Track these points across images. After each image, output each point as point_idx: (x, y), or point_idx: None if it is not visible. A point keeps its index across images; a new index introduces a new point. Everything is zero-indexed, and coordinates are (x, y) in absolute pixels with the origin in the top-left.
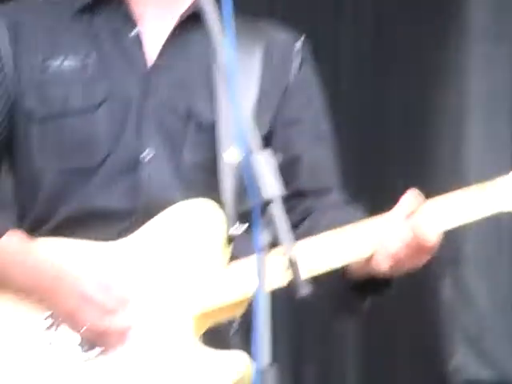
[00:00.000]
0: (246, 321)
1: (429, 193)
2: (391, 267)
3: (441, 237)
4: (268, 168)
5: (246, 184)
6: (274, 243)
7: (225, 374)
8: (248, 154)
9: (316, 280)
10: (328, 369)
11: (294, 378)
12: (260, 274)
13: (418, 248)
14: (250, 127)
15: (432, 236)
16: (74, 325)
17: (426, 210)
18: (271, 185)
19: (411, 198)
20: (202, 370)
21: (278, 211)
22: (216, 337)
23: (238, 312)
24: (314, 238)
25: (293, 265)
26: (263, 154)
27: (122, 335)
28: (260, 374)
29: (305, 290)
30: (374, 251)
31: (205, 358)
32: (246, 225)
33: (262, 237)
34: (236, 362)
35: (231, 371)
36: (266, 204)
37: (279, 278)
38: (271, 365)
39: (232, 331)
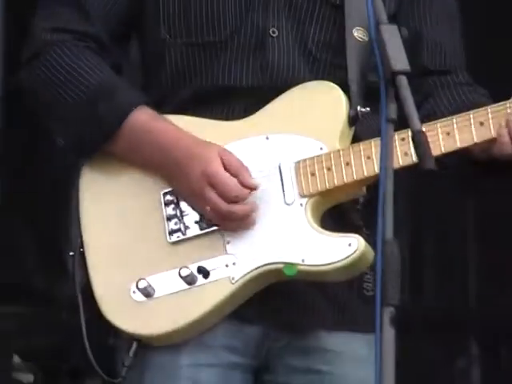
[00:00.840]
0: (371, 199)
1: None
2: None
3: None
4: (395, 41)
5: (373, 58)
6: (400, 122)
7: (340, 253)
8: (376, 27)
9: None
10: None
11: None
12: (385, 148)
13: None
14: (378, 3)
15: None
16: (198, 204)
17: None
18: (399, 58)
19: None
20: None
21: (404, 84)
22: (341, 215)
23: (360, 192)
24: (437, 120)
25: (419, 138)
26: (390, 27)
27: (242, 221)
28: (383, 245)
29: (431, 164)
30: (497, 134)
31: (321, 240)
32: (368, 109)
33: (389, 111)
34: (352, 243)
35: (346, 251)
36: (393, 76)
37: (404, 157)
38: (394, 239)
39: (357, 209)
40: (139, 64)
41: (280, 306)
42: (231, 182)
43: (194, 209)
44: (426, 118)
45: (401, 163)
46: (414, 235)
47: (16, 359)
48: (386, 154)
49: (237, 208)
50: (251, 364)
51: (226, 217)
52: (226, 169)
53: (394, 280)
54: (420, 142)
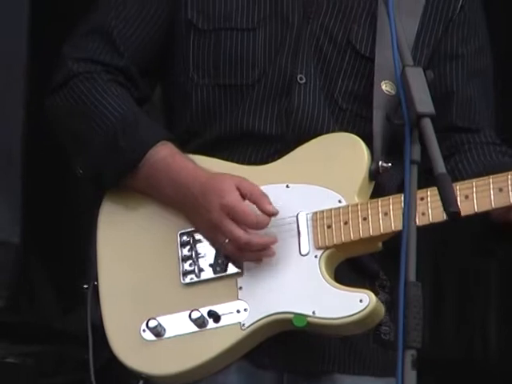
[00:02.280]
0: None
1: None
2: None
3: None
4: (420, 84)
5: (399, 110)
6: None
7: (351, 309)
8: (403, 68)
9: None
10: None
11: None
12: (409, 189)
13: None
14: (403, 46)
15: None
16: (216, 238)
17: None
18: (424, 100)
19: None
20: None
21: (428, 127)
22: (357, 259)
23: (376, 248)
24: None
25: (444, 180)
26: (416, 69)
27: (262, 252)
28: (405, 287)
29: (455, 207)
30: None
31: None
32: (390, 164)
33: (413, 152)
34: (363, 299)
35: (357, 307)
36: (418, 118)
37: (421, 217)
38: (416, 281)
39: (374, 258)
40: (160, 102)
41: (294, 351)
42: (251, 210)
43: (211, 247)
44: (449, 175)
45: (418, 223)
46: (434, 280)
47: None
48: (409, 193)
49: (256, 238)
50: None
51: (246, 247)
52: (244, 198)
53: (415, 322)
54: (444, 185)
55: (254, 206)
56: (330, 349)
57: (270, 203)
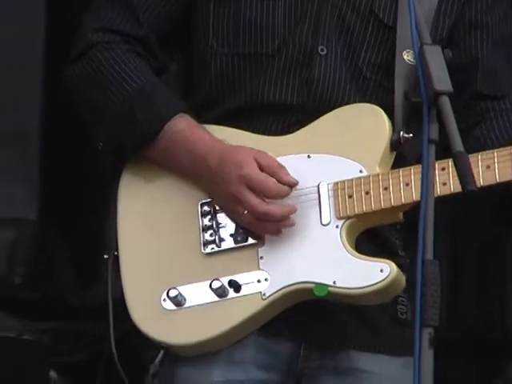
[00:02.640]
0: (410, 221)
1: None
2: None
3: None
4: (438, 62)
5: (418, 79)
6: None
7: (371, 278)
8: (421, 46)
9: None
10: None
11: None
12: (426, 168)
13: None
14: (422, 24)
15: None
16: (235, 209)
17: None
18: (441, 78)
19: None
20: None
21: (447, 105)
22: (377, 235)
23: (397, 218)
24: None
25: (461, 159)
26: (434, 47)
27: (280, 223)
28: (423, 266)
29: (472, 186)
30: None
31: (354, 263)
32: (411, 134)
33: (430, 131)
34: (384, 269)
35: (377, 277)
36: (435, 96)
37: (442, 187)
38: (434, 259)
39: (395, 230)
40: (178, 71)
41: (312, 324)
42: (270, 181)
43: (230, 218)
44: (476, 143)
45: (439, 193)
46: (452, 257)
47: (52, 374)
48: (427, 173)
49: (274, 208)
50: (283, 381)
51: (264, 218)
52: (262, 170)
53: (433, 300)
54: (462, 163)
55: (273, 178)
56: (348, 325)
57: (289, 174)
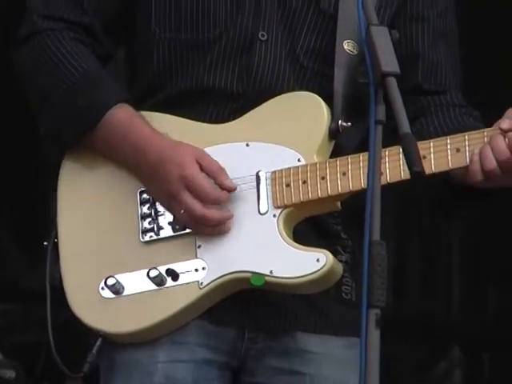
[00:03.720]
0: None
1: None
2: (485, 181)
3: None
4: (385, 43)
5: (361, 68)
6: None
7: (308, 268)
8: (368, 27)
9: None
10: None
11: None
12: (373, 150)
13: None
14: (369, 5)
15: None
16: (172, 207)
17: None
18: (388, 59)
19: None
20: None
21: (393, 86)
22: (317, 219)
23: (334, 207)
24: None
25: (408, 140)
26: (381, 28)
27: (216, 227)
28: (369, 247)
29: (418, 167)
30: (469, 161)
31: (291, 253)
32: (350, 123)
33: (377, 112)
34: (320, 258)
35: (314, 266)
36: (382, 77)
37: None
38: (381, 240)
39: (332, 218)
40: (126, 57)
41: (256, 308)
42: (209, 185)
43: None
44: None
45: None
46: (399, 239)
47: None
48: (374, 155)
49: (211, 213)
50: (228, 362)
51: (200, 221)
52: (203, 171)
53: (380, 281)
54: (409, 145)
55: (212, 181)
56: (292, 307)
57: (229, 178)
